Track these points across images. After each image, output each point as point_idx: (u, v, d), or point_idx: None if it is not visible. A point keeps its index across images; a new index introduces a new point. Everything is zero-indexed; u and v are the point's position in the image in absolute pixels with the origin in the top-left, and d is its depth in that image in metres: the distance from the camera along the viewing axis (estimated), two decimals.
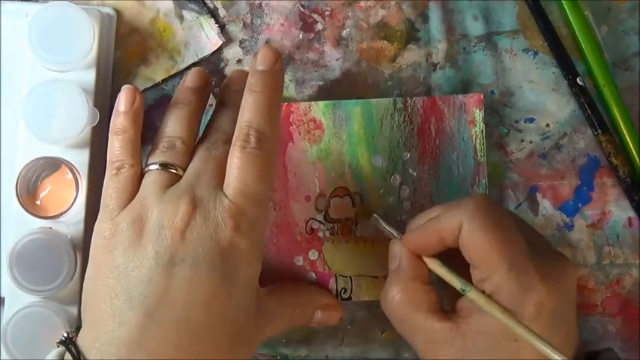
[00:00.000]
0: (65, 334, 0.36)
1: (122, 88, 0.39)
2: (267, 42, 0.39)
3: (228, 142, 0.37)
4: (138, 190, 0.37)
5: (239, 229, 0.35)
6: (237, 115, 0.38)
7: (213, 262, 0.35)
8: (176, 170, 0.37)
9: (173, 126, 0.39)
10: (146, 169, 0.38)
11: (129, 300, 0.34)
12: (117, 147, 0.38)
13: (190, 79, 0.41)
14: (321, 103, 0.45)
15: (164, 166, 0.37)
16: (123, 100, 0.38)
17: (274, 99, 0.38)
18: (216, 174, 0.37)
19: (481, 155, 0.44)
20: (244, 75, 0.39)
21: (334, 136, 0.45)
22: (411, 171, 0.45)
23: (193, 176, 0.37)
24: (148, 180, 0.37)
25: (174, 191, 0.36)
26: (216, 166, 0.37)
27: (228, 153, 0.37)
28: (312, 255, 0.44)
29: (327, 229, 0.45)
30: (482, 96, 0.45)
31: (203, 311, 0.35)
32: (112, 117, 0.38)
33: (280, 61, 0.38)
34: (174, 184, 0.37)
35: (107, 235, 0.36)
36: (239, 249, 0.35)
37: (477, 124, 0.45)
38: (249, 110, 0.37)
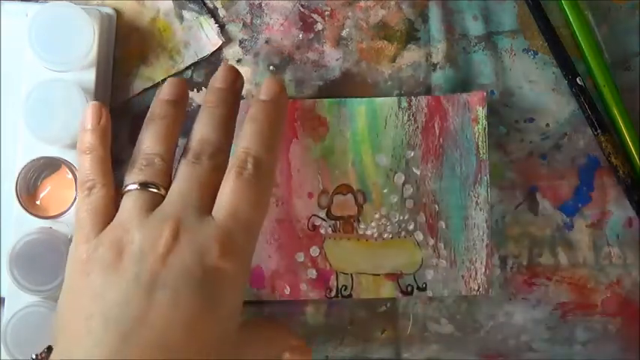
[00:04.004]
0: (34, 356, 0.35)
1: (89, 104, 0.38)
2: (271, 74, 0.40)
3: (213, 155, 0.36)
4: (112, 211, 0.36)
5: (226, 255, 0.34)
6: (222, 121, 0.37)
7: (197, 288, 0.33)
8: (157, 189, 0.36)
9: (150, 142, 0.37)
10: (125, 189, 0.36)
11: (105, 322, 0.32)
12: (87, 166, 0.37)
13: (166, 91, 0.39)
14: (325, 101, 0.45)
15: (144, 185, 0.36)
16: (89, 118, 0.37)
17: (275, 129, 0.38)
18: (201, 194, 0.36)
19: (483, 153, 0.45)
20: (231, 71, 0.39)
21: (338, 133, 0.45)
22: (414, 169, 0.45)
23: (177, 198, 0.35)
24: (127, 201, 0.36)
25: (158, 215, 0.35)
26: (201, 185, 0.36)
27: (213, 168, 0.36)
28: (314, 251, 0.45)
29: (329, 226, 0.45)
30: (485, 94, 0.45)
31: (183, 337, 0.33)
32: (79, 135, 0.37)
33: (285, 93, 0.39)
34: (156, 205, 0.35)
35: (84, 259, 0.34)
36: (225, 275, 0.34)
37: (480, 122, 0.45)
38: (248, 137, 0.37)
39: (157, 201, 0.36)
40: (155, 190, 0.36)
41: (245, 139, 0.37)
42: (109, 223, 0.35)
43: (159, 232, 0.34)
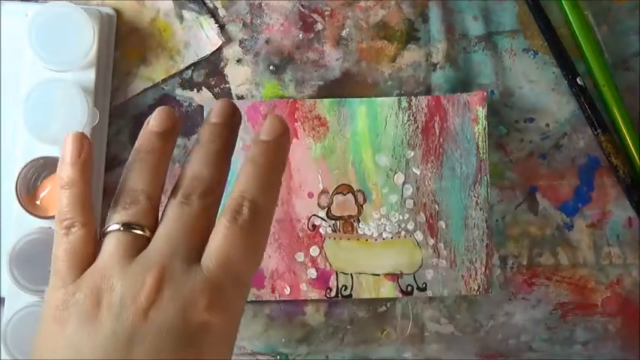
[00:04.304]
0: None
1: (68, 134, 0.34)
2: (272, 115, 0.36)
3: (205, 194, 0.33)
4: (93, 252, 0.33)
5: (213, 308, 0.31)
6: (215, 158, 0.35)
7: (180, 346, 0.31)
8: (142, 231, 0.33)
9: (136, 178, 0.34)
10: (107, 228, 0.33)
11: None
12: (65, 203, 0.33)
13: (155, 122, 0.35)
14: (326, 101, 0.45)
15: (127, 226, 0.33)
16: (69, 149, 0.34)
17: (275, 173, 0.35)
18: (190, 239, 0.33)
19: (483, 153, 0.45)
20: (228, 106, 0.36)
21: (338, 133, 0.45)
22: (414, 169, 0.45)
23: (164, 242, 0.32)
24: (109, 244, 0.32)
25: (142, 262, 0.32)
26: (190, 229, 0.33)
27: (204, 209, 0.33)
28: (314, 251, 0.45)
29: (329, 225, 0.45)
30: (485, 94, 0.45)
31: None
32: (58, 166, 0.34)
33: (288, 134, 0.35)
34: (140, 249, 0.32)
35: (59, 306, 0.31)
36: (211, 331, 0.31)
37: (480, 122, 0.45)
38: (245, 180, 0.34)
39: (141, 244, 0.33)
40: (139, 232, 0.33)
41: (242, 182, 0.34)
42: (88, 266, 0.32)
43: (141, 281, 0.31)
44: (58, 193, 0.34)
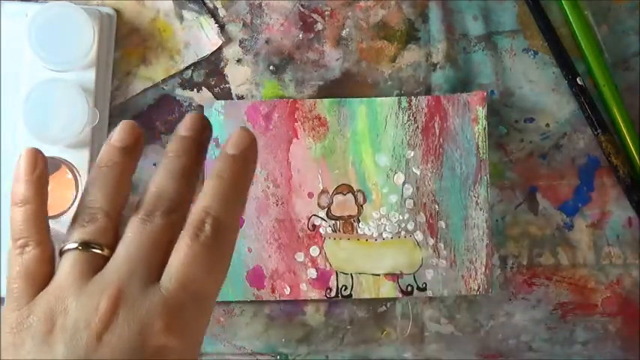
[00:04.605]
0: None
1: (23, 151, 0.33)
2: (239, 127, 0.35)
3: (168, 212, 0.32)
4: (48, 271, 0.32)
5: (170, 330, 0.30)
6: (182, 172, 0.33)
7: None
8: (100, 250, 0.31)
9: (95, 194, 0.33)
10: (64, 247, 0.32)
11: None
12: (19, 221, 0.32)
13: (116, 137, 0.34)
14: (326, 101, 0.45)
15: (85, 245, 0.31)
16: (23, 166, 0.32)
17: (241, 188, 0.34)
18: (150, 258, 0.31)
19: (483, 153, 0.45)
20: (198, 120, 0.35)
21: (338, 133, 0.45)
22: (414, 169, 0.45)
23: (122, 262, 0.31)
24: (65, 263, 0.31)
25: (97, 283, 0.30)
26: (151, 248, 0.31)
27: (166, 227, 0.32)
28: (314, 251, 0.45)
29: (329, 225, 0.45)
30: (485, 94, 0.45)
31: None
32: (12, 183, 0.33)
33: (255, 147, 0.34)
34: (98, 268, 0.31)
35: (14, 328, 0.30)
36: (168, 353, 0.30)
37: (480, 122, 0.45)
38: (209, 195, 0.32)
39: (99, 263, 0.31)
40: (98, 251, 0.31)
41: (206, 197, 0.32)
42: (43, 287, 0.31)
43: (96, 303, 0.30)
44: (11, 212, 0.32)
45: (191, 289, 0.31)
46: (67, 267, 0.31)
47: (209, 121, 0.35)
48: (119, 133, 0.34)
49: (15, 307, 0.31)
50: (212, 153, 0.44)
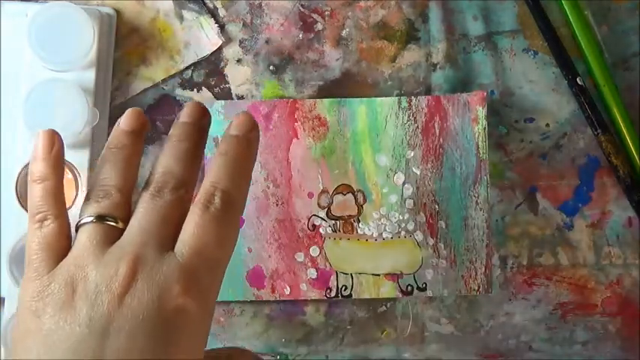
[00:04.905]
0: None
1: (39, 132, 0.35)
2: (241, 112, 0.37)
3: (176, 187, 0.34)
4: (66, 245, 0.33)
5: (188, 293, 0.31)
6: (185, 155, 0.35)
7: (154, 332, 0.31)
8: (115, 222, 0.33)
9: (107, 173, 0.35)
10: (80, 221, 0.33)
11: None
12: (37, 197, 0.34)
13: (124, 122, 0.36)
14: (326, 101, 0.45)
15: (100, 218, 0.33)
16: (40, 146, 0.34)
17: (245, 165, 0.36)
18: (163, 229, 0.33)
19: (483, 153, 0.45)
20: (198, 108, 0.37)
21: (338, 133, 0.45)
22: (414, 169, 0.45)
23: (137, 232, 0.33)
24: (82, 235, 0.33)
25: (115, 251, 0.32)
26: (163, 220, 0.33)
27: (176, 202, 0.34)
28: (314, 251, 0.45)
29: (329, 225, 0.45)
30: (485, 94, 0.45)
31: None
32: (30, 163, 0.35)
33: (256, 130, 0.36)
34: (114, 240, 0.33)
35: (35, 297, 0.31)
36: (186, 316, 0.31)
37: (480, 122, 0.45)
38: (216, 171, 0.34)
39: (114, 235, 0.33)
40: (112, 224, 0.33)
41: (213, 173, 0.34)
42: (62, 259, 0.33)
43: (115, 269, 0.31)
44: (29, 189, 0.34)
45: (204, 256, 0.32)
46: (84, 238, 0.33)
47: (207, 109, 0.37)
48: (127, 119, 0.36)
49: (35, 277, 0.32)
50: (212, 153, 0.44)
